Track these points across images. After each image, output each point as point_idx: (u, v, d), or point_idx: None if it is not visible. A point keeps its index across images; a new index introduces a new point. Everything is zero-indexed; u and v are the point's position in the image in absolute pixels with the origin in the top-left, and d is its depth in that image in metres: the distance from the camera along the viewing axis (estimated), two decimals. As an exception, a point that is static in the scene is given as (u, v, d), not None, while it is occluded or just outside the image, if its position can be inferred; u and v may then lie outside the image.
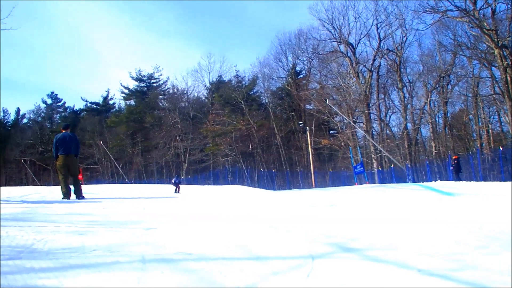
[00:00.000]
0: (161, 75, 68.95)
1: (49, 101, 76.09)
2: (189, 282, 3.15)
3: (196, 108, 59.68)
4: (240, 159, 50.53)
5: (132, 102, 69.71)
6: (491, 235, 6.72)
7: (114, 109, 73.78)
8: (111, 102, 75.30)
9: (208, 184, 36.51)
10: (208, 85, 63.26)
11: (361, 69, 47.10)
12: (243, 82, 60.82)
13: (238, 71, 62.18)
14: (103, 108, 73.04)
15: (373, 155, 41.15)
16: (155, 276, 3.24)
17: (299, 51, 55.41)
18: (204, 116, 56.86)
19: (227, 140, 52.36)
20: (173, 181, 31.86)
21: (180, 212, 8.19)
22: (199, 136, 55.22)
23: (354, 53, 46.87)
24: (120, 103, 73.75)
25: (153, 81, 70.02)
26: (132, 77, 69.43)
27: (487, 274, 4.22)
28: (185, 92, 63.93)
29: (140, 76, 69.54)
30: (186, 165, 55.12)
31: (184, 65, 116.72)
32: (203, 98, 65.25)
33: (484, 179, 28.63)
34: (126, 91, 70.39)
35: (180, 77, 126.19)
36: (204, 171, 50.04)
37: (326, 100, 41.49)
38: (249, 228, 5.87)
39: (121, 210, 8.24)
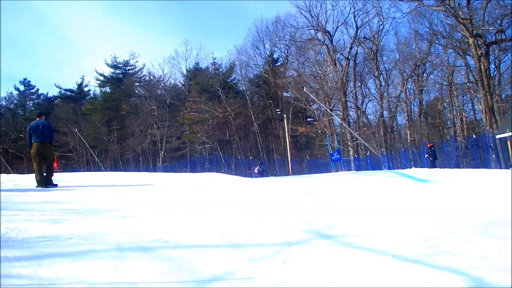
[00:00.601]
0: (137, 62, 68.03)
1: (21, 88, 74.39)
2: (167, 270, 3.14)
3: (173, 96, 59.10)
4: (217, 146, 50.38)
5: (108, 89, 68.63)
6: (464, 221, 6.87)
7: (89, 96, 72.50)
8: (86, 89, 73.96)
9: (185, 171, 36.32)
10: (185, 72, 62.69)
11: (338, 57, 47.36)
12: (220, 70, 60.49)
13: (215, 58, 62.03)
14: (77, 95, 71.71)
15: (349, 143, 41.57)
16: (132, 264, 3.22)
17: (277, 39, 55.36)
18: (181, 103, 56.39)
19: (204, 128, 52.08)
20: (256, 170, 28.05)
21: (157, 199, 8.14)
22: (176, 123, 54.79)
23: (331, 41, 47.02)
24: (95, 90, 72.53)
25: (129, 68, 68.99)
26: (108, 64, 68.30)
27: (460, 260, 4.33)
28: (161, 79, 63.29)
29: (115, 63, 68.43)
30: (162, 152, 54.73)
31: (161, 52, 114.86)
32: (180, 85, 64.69)
33: (458, 166, 29.22)
34: (102, 78, 69.22)
35: (157, 64, 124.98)
36: (181, 159, 49.75)
37: (303, 87, 41.58)
38: (227, 216, 5.88)
39: (97, 198, 8.15)
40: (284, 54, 57.29)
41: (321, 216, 6.31)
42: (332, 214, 6.51)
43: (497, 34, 37.01)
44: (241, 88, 59.84)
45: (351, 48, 46.29)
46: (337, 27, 47.48)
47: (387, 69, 47.48)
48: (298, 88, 44.93)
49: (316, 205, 7.36)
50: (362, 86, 48.18)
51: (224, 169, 41.00)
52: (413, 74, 46.00)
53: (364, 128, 45.69)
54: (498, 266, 4.12)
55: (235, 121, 51.55)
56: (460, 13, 34.37)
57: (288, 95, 53.11)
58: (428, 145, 23.25)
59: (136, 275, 2.97)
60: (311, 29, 48.12)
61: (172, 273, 3.11)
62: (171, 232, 4.53)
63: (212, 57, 63.92)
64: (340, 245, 4.59)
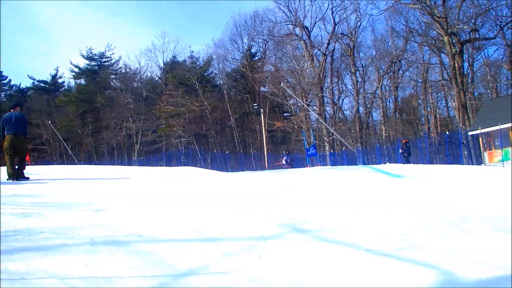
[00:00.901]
0: (113, 54, 67.00)
1: (-8, 78, 72.68)
2: (140, 264, 3.11)
3: (149, 89, 58.49)
4: (193, 140, 50.14)
5: (83, 81, 67.47)
6: (437, 217, 7.00)
7: (64, 88, 71.12)
8: (60, 81, 72.48)
9: (161, 165, 36.06)
10: (161, 65, 62.06)
11: (316, 53, 47.58)
12: (198, 63, 60.03)
13: (192, 51, 61.26)
14: (51, 87, 70.27)
15: (325, 138, 41.90)
16: (105, 258, 3.18)
17: (255, 33, 55.27)
18: (158, 96, 55.86)
19: (180, 122, 51.73)
20: (284, 161, 25.03)
21: (131, 193, 8.06)
22: (152, 117, 54.27)
23: (309, 37, 47.22)
24: (69, 82, 71.11)
25: (104, 60, 67.91)
26: (83, 56, 67.06)
27: (433, 254, 4.40)
28: (138, 72, 62.50)
29: (91, 55, 67.27)
30: (138, 146, 54.19)
31: (137, 45, 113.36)
32: (157, 78, 64.04)
33: (431, 162, 29.75)
34: (76, 69, 67.95)
35: (133, 56, 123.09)
36: (156, 153, 49.33)
37: (280, 82, 41.67)
38: (202, 210, 5.86)
39: (70, 191, 8.03)
40: (262, 49, 57.31)
41: (296, 210, 6.34)
42: (308, 209, 6.55)
43: (471, 33, 37.75)
44: (218, 82, 59.62)
45: (328, 44, 46.58)
46: (315, 23, 47.74)
47: (363, 65, 47.99)
48: (276, 83, 44.97)
49: (292, 200, 7.40)
50: (339, 82, 48.61)
51: (200, 163, 40.83)
52: (389, 70, 46.56)
53: (340, 124, 46.08)
54: (470, 260, 4.21)
55: (212, 115, 51.35)
56: (436, 12, 34.90)
57: (265, 90, 53.14)
58: (403, 141, 23.58)
59: (109, 270, 2.93)
60: (289, 24, 48.28)
61: (146, 267, 3.08)
62: (146, 226, 4.49)
63: (190, 51, 63.15)
64: (315, 239, 4.62)
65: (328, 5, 46.93)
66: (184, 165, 31.67)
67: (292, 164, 24.06)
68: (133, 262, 3.14)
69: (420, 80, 47.06)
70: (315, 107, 45.20)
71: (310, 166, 22.52)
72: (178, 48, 74.15)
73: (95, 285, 2.66)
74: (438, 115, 49.48)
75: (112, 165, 36.16)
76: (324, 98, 45.83)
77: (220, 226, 4.75)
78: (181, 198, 7.30)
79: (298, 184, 9.59)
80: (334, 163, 34.41)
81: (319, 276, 3.38)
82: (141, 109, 55.26)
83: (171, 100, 52.26)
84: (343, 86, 49.52)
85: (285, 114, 54.80)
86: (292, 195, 7.97)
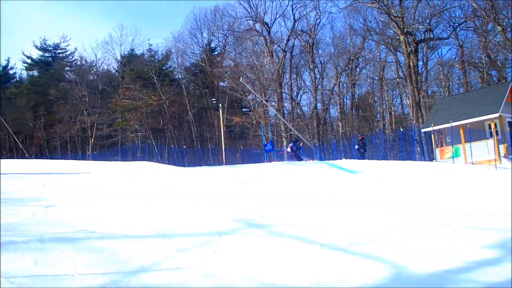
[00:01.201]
0: (68, 45, 64.82)
1: None
2: (92, 262, 3.04)
3: (106, 82, 57.07)
4: (150, 135, 49.38)
5: (35, 73, 65.15)
6: (390, 212, 7.19)
7: (15, 80, 68.56)
8: (11, 72, 69.74)
9: (116, 160, 35.32)
10: (119, 58, 60.60)
11: (275, 49, 47.71)
12: (156, 57, 58.97)
13: (151, 45, 60.14)
14: (1, 78, 67.60)
15: (283, 134, 42.20)
16: (55, 256, 3.09)
17: (215, 28, 54.81)
18: (114, 90, 54.63)
19: (137, 116, 50.78)
20: (289, 149, 21.28)
21: (84, 189, 7.86)
22: (108, 110, 53.02)
23: (269, 33, 47.35)
24: (21, 74, 68.51)
25: (59, 51, 65.66)
26: (36, 46, 64.58)
27: (385, 249, 4.51)
28: (94, 64, 60.82)
29: (45, 46, 64.90)
30: (92, 140, 52.88)
31: (94, 36, 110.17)
32: (113, 71, 62.55)
33: (385, 158, 30.46)
34: (29, 61, 65.49)
35: (89, 48, 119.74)
36: (112, 147, 48.30)
37: (239, 78, 41.64)
38: (157, 206, 5.79)
39: (19, 187, 7.75)
40: (221, 44, 56.95)
41: (253, 205, 6.36)
42: (264, 204, 6.59)
43: (425, 33, 38.87)
44: (177, 76, 58.86)
45: (288, 40, 46.84)
46: (275, 19, 47.88)
47: (322, 62, 48.51)
48: (235, 78, 44.90)
49: (249, 195, 7.41)
50: (298, 78, 48.98)
51: (157, 158, 40.26)
52: (346, 68, 47.30)
53: (298, 120, 46.51)
54: (421, 255, 4.34)
55: (170, 110, 50.71)
56: (393, 11, 35.73)
57: (224, 85, 52.91)
58: (359, 137, 23.99)
59: (59, 268, 2.85)
60: (249, 19, 48.22)
61: (98, 264, 3.01)
62: (98, 222, 4.39)
63: (148, 44, 61.96)
64: (270, 234, 4.65)
65: (288, 1, 47.06)
66: (140, 160, 31.17)
67: (298, 153, 21.08)
68: (84, 260, 3.06)
69: (376, 78, 48.08)
70: (273, 103, 45.40)
71: (267, 162, 22.53)
72: (136, 41, 72.62)
73: (44, 284, 2.57)
74: (393, 112, 50.71)
75: (65, 159, 35.20)
76: (283, 94, 46.13)
77: (175, 222, 4.71)
78: (136, 193, 7.18)
79: (255, 180, 9.62)
80: (291, 158, 34.71)
81: (274, 271, 3.40)
82: (96, 102, 53.88)
83: (128, 94, 51.23)
84: (302, 82, 50.00)
85: (243, 110, 54.78)
86: (249, 191, 7.99)
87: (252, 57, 46.79)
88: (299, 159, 20.58)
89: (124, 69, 58.34)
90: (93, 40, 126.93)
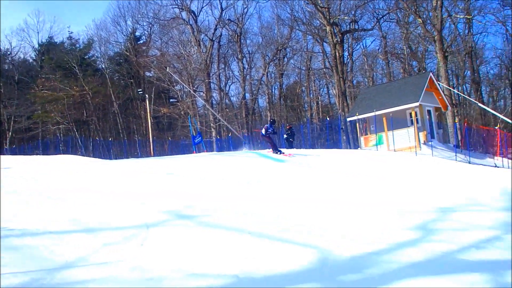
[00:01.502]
0: (-22, 32, 60.83)
1: None
2: (12, 260, 2.91)
3: (22, 71, 53.81)
4: (73, 127, 47.30)
5: None
6: (316, 198, 7.42)
7: None
8: None
9: (37, 154, 33.57)
10: (36, 46, 57.38)
11: (203, 38, 47.09)
12: (78, 45, 56.28)
13: (71, 32, 57.53)
14: None
15: (212, 124, 41.98)
16: (-31, 256, 2.92)
17: (139, 16, 53.08)
18: (32, 80, 51.71)
19: (58, 107, 48.40)
20: (263, 130, 16.81)
21: (5, 184, 7.41)
22: (26, 102, 50.10)
23: (196, 21, 46.60)
24: None
25: (-32, 38, 61.47)
26: None
27: (312, 234, 4.66)
28: (8, 53, 57.17)
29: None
30: (10, 133, 49.89)
31: (8, 23, 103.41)
32: (31, 60, 59.14)
33: (313, 146, 31.14)
34: None
35: (3, 36, 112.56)
36: (31, 140, 45.78)
37: (166, 67, 40.85)
38: (82, 200, 5.60)
39: None
40: (147, 32, 55.32)
41: (181, 197, 6.32)
42: (193, 195, 6.57)
43: (351, 24, 40.09)
44: (100, 66, 56.63)
45: (215, 29, 46.41)
46: (202, 7, 47.11)
47: (250, 52, 48.59)
48: (161, 68, 43.91)
49: (177, 186, 7.35)
50: (226, 68, 48.78)
51: (81, 151, 38.73)
52: (274, 58, 47.74)
53: (227, 110, 46.46)
54: (344, 239, 4.53)
55: (93, 101, 48.79)
56: (319, 1, 36.43)
57: (151, 75, 51.59)
58: (287, 127, 24.31)
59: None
60: (175, 7, 47.18)
61: (19, 263, 2.89)
62: (17, 219, 4.18)
63: (69, 31, 59.47)
64: (199, 224, 4.66)
65: (216, -11, 46.68)
66: (63, 153, 29.84)
67: (272, 138, 16.61)
68: (4, 259, 2.92)
69: (303, 68, 48.99)
70: (202, 93, 44.99)
71: (196, 153, 22.32)
72: (55, 28, 69.41)
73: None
74: (320, 102, 51.97)
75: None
76: (211, 84, 45.81)
77: (101, 216, 4.59)
78: (58, 189, 6.87)
79: (183, 171, 9.54)
80: (220, 149, 34.62)
81: (202, 261, 3.42)
82: (13, 93, 50.76)
83: (47, 84, 48.67)
84: (230, 72, 49.87)
85: (171, 100, 53.91)
86: (177, 182, 7.92)
87: (179, 46, 45.99)
88: (274, 148, 16.12)
89: (43, 58, 55.32)
90: (7, 27, 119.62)
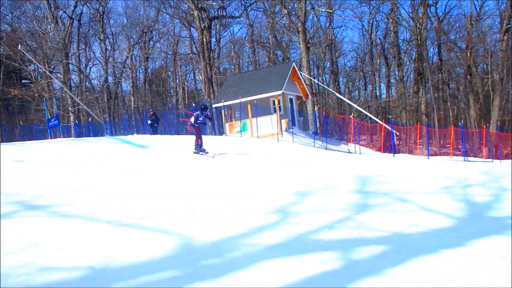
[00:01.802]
0: None
1: None
2: None
3: None
4: None
5: None
6: (180, 184, 7.31)
7: None
8: None
9: None
10: None
11: (61, 15, 43.95)
12: None
13: None
14: None
15: (70, 108, 39.49)
16: None
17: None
18: None
19: None
20: (192, 119, 13.88)
21: None
22: None
23: (52, -3, 43.40)
24: None
25: None
26: None
27: (174, 221, 4.58)
28: None
29: None
30: None
31: None
32: None
33: (178, 133, 30.99)
34: None
35: None
36: None
37: (18, 45, 37.30)
38: None
39: None
40: (-7, 5, 50.16)
41: (32, 186, 5.83)
42: (46, 184, 6.09)
43: (219, 10, 40.51)
44: None
45: (75, 6, 43.47)
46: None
47: (113, 33, 46.58)
48: (12, 45, 40.02)
49: (26, 174, 6.77)
50: (87, 49, 46.11)
51: None
52: (139, 40, 46.37)
53: (87, 93, 44.00)
54: (207, 225, 4.55)
55: None
56: (188, -15, 36.16)
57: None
58: (150, 113, 23.90)
59: None
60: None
61: None
62: None
63: None
64: (53, 215, 4.37)
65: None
66: None
67: (201, 127, 14.03)
68: None
69: (170, 52, 48.36)
70: (59, 75, 42.02)
71: (51, 139, 20.76)
72: None
73: None
74: (186, 88, 51.83)
75: None
76: (70, 65, 43.00)
77: None
78: None
79: (35, 158, 8.81)
80: (79, 134, 32.72)
81: (56, 254, 3.21)
82: None
83: None
84: (91, 53, 47.32)
85: (23, 81, 49.48)
86: (27, 169, 7.30)
87: (33, 22, 42.33)
88: (199, 145, 13.44)
89: None
90: None
